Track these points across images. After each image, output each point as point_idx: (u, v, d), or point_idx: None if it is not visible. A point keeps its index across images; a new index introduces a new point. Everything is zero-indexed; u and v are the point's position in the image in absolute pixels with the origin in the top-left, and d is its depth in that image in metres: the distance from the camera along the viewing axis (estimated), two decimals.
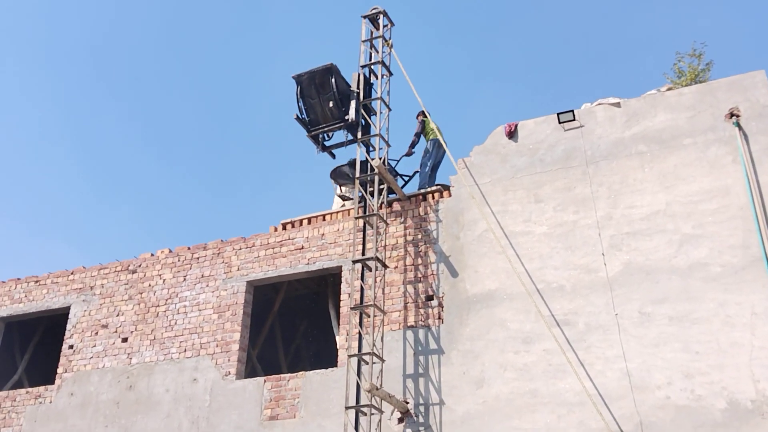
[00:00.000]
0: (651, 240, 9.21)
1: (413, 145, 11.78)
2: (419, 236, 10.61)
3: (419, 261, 10.43)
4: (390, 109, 11.48)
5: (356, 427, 9.29)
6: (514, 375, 9.09)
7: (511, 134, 10.66)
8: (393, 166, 11.71)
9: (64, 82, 38.93)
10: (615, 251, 9.31)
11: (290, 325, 14.48)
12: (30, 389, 12.29)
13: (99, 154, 39.25)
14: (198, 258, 12.02)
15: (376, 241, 10.32)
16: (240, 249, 11.77)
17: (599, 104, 10.36)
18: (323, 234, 11.30)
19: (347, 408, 9.34)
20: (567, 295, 9.32)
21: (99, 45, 38.93)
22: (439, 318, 9.92)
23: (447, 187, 10.87)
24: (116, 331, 11.97)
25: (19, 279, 13.30)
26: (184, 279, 11.94)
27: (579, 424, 8.58)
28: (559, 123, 10.38)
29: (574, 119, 10.34)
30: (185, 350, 11.35)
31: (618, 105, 10.22)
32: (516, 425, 8.81)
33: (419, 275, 10.34)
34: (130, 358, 11.64)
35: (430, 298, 10.13)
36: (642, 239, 9.26)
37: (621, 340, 8.78)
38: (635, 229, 9.35)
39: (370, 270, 10.17)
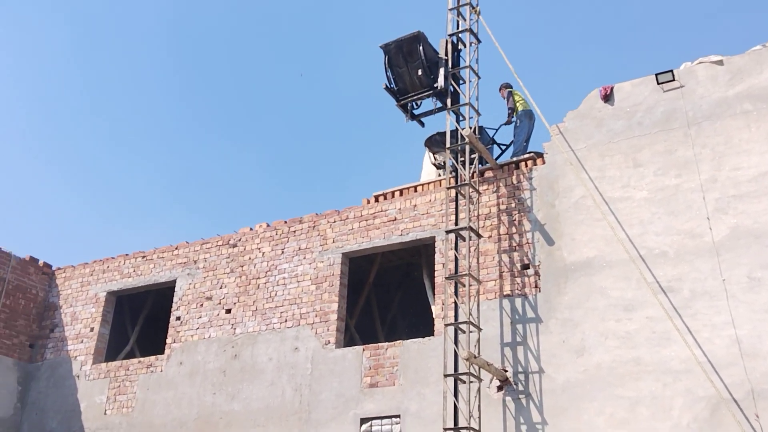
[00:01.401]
0: (759, 202, 8.84)
1: (511, 114, 11.68)
2: (513, 205, 10.53)
3: (513, 230, 10.37)
4: (479, 77, 11.36)
5: (455, 395, 9.40)
6: (616, 343, 8.96)
7: (607, 97, 10.39)
8: (491, 135, 11.63)
9: (137, 63, 40.10)
10: (721, 215, 8.99)
11: (385, 296, 14.69)
12: (142, 359, 12.99)
13: (189, 134, 40.51)
14: (294, 231, 12.33)
15: (469, 211, 10.31)
16: (334, 222, 12.00)
17: (700, 63, 9.95)
18: (415, 205, 11.37)
19: (446, 376, 9.45)
20: (670, 261, 9.08)
21: (175, 23, 39.88)
22: (536, 287, 9.86)
23: (540, 155, 10.72)
24: (220, 303, 12.46)
25: (127, 255, 13.99)
26: (282, 252, 12.28)
27: (686, 392, 8.40)
28: (658, 84, 10.03)
29: (673, 79, 9.97)
30: (286, 320, 11.71)
31: (720, 63, 9.78)
32: (619, 393, 8.71)
33: (514, 244, 10.28)
34: (234, 329, 12.11)
35: (525, 266, 10.07)
36: (750, 202, 8.89)
37: (729, 307, 8.51)
38: (742, 191, 8.99)
39: (464, 240, 10.18)
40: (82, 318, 13.92)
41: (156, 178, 40.11)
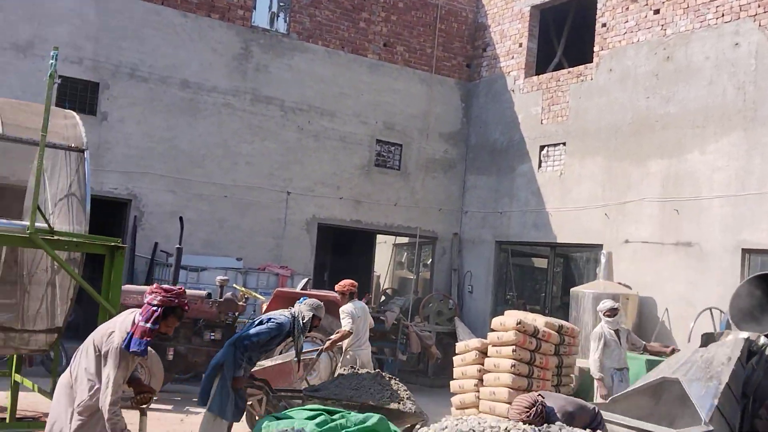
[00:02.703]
0: None
1: None
2: None
3: None
4: None
5: None
6: None
7: None
8: None
9: None
10: None
11: None
12: (571, 69, 13.28)
13: None
14: None
15: None
16: None
17: None
18: None
19: None
20: None
21: None
22: None
23: None
24: (647, 4, 11.81)
25: None
26: None
27: None
28: None
29: None
30: (723, 15, 10.69)
31: None
32: None
33: None
34: (664, 30, 11.48)
35: None
36: None
37: None
38: None
39: None
40: (509, 35, 14.54)
41: None
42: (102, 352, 4.29)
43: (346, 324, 8.05)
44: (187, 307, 4.49)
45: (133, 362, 4.40)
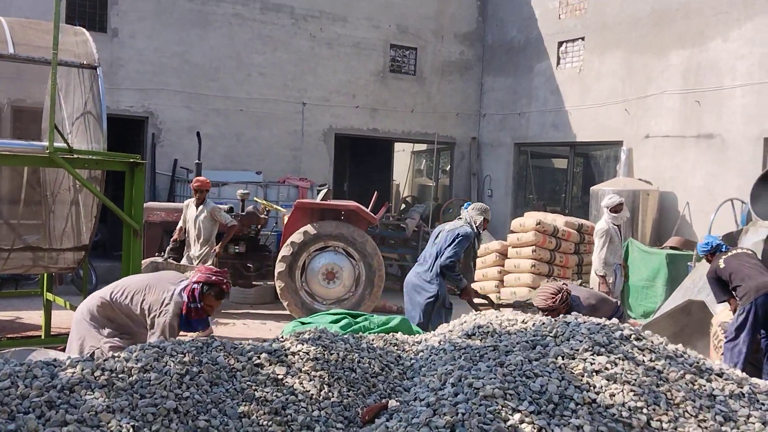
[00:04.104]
0: None
1: None
2: None
3: None
4: None
5: None
6: None
7: None
8: None
9: None
10: None
11: None
12: None
13: None
14: None
15: None
16: None
17: None
18: None
19: None
20: None
21: None
22: None
23: None
24: None
25: None
26: None
27: None
28: None
29: None
30: None
31: None
32: None
33: None
34: None
35: None
36: None
37: None
38: None
39: None
40: None
41: None
42: (150, 317, 4.46)
43: (230, 219, 8.24)
44: (225, 287, 4.58)
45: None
